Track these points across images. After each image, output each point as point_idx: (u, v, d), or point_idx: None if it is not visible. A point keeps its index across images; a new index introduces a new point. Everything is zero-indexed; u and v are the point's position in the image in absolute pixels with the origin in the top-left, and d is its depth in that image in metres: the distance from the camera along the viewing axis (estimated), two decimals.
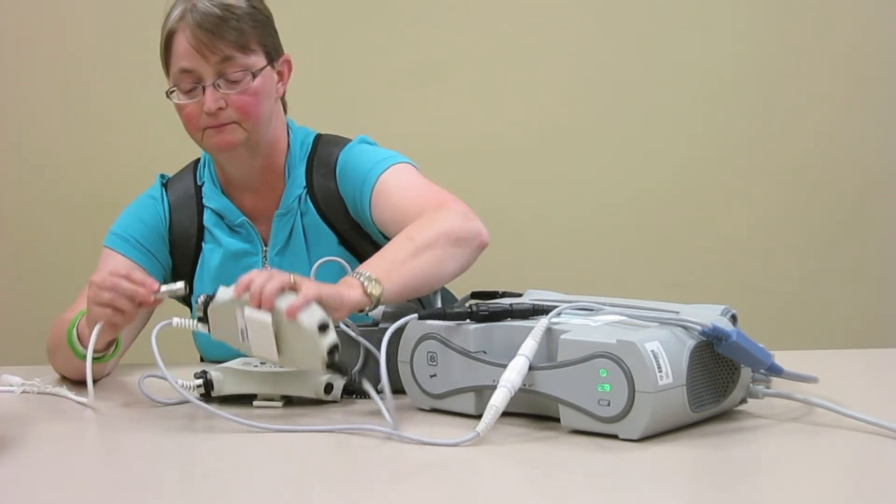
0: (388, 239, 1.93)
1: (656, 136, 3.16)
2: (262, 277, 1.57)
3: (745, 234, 3.18)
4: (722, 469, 1.42)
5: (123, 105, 3.06)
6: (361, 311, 1.65)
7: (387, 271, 1.69)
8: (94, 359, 1.77)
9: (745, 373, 1.56)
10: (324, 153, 2.04)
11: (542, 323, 1.53)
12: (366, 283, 1.64)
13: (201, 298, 1.65)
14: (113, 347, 1.85)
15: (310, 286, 1.57)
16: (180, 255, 2.04)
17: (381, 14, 3.10)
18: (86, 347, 1.78)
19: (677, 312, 1.56)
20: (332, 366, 1.56)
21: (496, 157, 3.12)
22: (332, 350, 1.55)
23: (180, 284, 1.76)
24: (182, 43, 1.92)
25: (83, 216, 2.98)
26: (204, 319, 1.65)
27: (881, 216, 3.20)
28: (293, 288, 1.57)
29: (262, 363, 1.71)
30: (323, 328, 1.54)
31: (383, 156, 1.99)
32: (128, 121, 3.06)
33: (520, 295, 1.76)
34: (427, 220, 1.81)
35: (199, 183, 2.06)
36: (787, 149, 3.18)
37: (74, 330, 1.85)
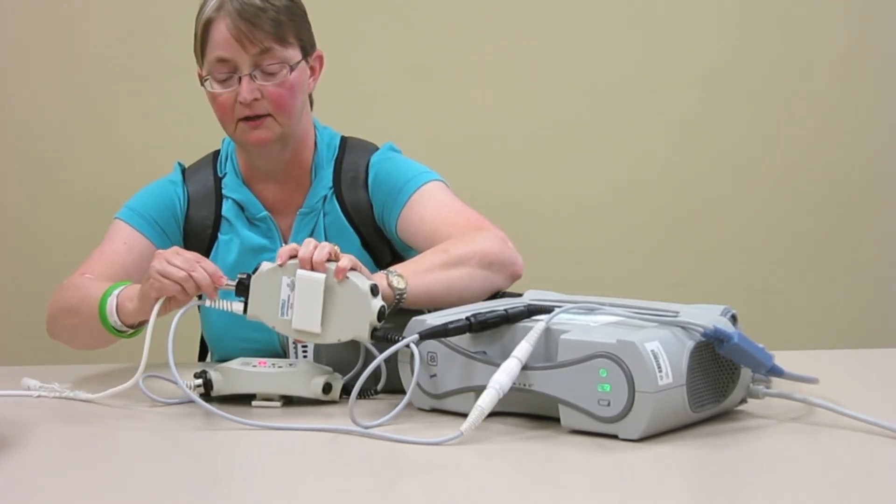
0: (410, 249, 1.95)
1: (656, 135, 3.16)
2: (310, 244, 1.64)
3: (744, 234, 3.18)
4: (722, 469, 1.42)
5: (125, 105, 3.05)
6: (383, 317, 1.65)
7: (413, 273, 1.74)
8: (119, 333, 1.82)
9: (745, 373, 1.56)
10: (352, 157, 2.05)
11: (538, 326, 1.53)
12: (391, 277, 1.70)
13: (241, 275, 1.67)
14: (140, 326, 1.83)
15: (350, 256, 1.64)
16: (195, 244, 2.03)
17: (381, 14, 3.10)
18: (123, 322, 1.80)
19: (677, 313, 1.56)
20: (376, 333, 1.60)
21: (496, 157, 3.12)
22: (381, 314, 1.60)
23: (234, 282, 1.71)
24: (221, 31, 1.92)
25: (84, 216, 2.98)
26: (242, 295, 1.67)
27: (881, 215, 3.20)
28: (336, 257, 1.63)
29: (258, 364, 1.72)
30: (373, 290, 1.61)
31: (421, 169, 2.02)
32: (129, 121, 3.06)
33: (520, 295, 1.76)
34: (465, 238, 1.84)
35: (219, 174, 2.06)
36: (787, 148, 3.17)
37: (114, 300, 1.81)
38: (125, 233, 2.01)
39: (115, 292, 1.82)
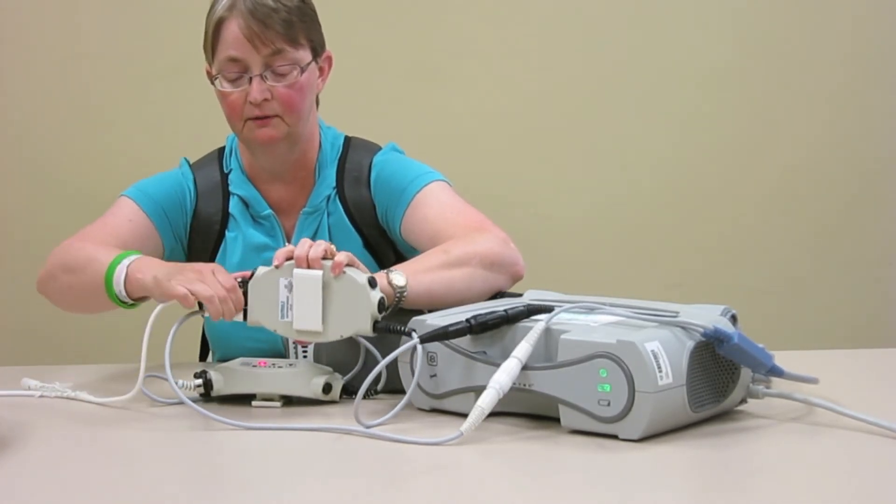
0: (413, 250, 1.95)
1: (656, 135, 3.16)
2: (305, 243, 1.64)
3: (744, 234, 3.18)
4: (722, 469, 1.42)
5: (125, 105, 3.05)
6: (383, 308, 1.64)
7: (414, 272, 1.73)
8: (123, 303, 1.81)
9: (745, 373, 1.56)
10: (356, 157, 2.05)
11: (538, 326, 1.53)
12: (391, 275, 1.69)
13: (238, 282, 1.67)
14: (139, 300, 1.83)
15: (346, 252, 1.64)
16: (202, 240, 2.03)
17: (382, 14, 3.10)
18: (128, 295, 1.78)
19: (677, 313, 1.56)
20: (378, 325, 1.60)
21: (496, 158, 3.12)
22: (381, 305, 1.60)
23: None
24: (233, 31, 1.91)
25: (84, 216, 2.97)
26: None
27: (880, 215, 3.20)
28: (332, 255, 1.64)
29: (258, 364, 1.72)
30: (371, 283, 1.61)
31: (424, 170, 2.02)
32: (129, 121, 3.06)
33: (520, 295, 1.76)
34: (466, 239, 1.84)
35: (225, 171, 2.06)
36: (787, 148, 3.18)
37: (122, 273, 1.79)
38: (131, 210, 2.00)
39: (130, 257, 1.80)
